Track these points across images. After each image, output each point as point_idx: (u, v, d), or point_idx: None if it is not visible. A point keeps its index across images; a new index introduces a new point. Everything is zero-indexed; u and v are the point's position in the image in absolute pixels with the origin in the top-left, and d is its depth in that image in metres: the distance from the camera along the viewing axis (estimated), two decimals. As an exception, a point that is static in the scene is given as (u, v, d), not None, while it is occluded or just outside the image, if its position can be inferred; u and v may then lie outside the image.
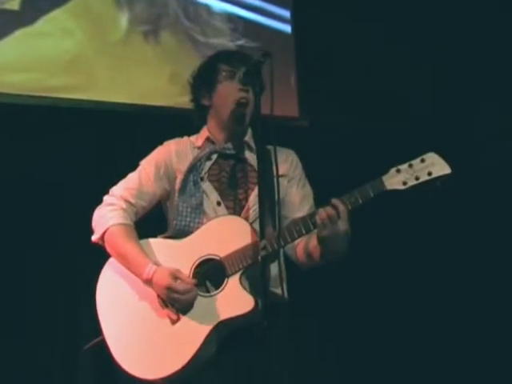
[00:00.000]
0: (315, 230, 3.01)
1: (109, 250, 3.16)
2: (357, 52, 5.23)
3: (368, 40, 5.25)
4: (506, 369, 4.87)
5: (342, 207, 2.91)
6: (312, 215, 2.97)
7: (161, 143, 3.36)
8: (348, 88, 5.21)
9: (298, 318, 3.29)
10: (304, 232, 2.99)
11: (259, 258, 2.86)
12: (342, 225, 2.91)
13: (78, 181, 4.55)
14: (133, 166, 3.32)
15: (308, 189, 3.31)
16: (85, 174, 4.55)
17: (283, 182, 3.18)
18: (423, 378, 4.96)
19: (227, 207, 3.18)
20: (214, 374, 3.00)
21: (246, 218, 3.13)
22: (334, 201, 2.93)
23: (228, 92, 3.20)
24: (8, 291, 4.43)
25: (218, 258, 3.02)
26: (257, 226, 2.96)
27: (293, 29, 5.27)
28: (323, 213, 2.92)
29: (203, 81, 3.29)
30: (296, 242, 3.11)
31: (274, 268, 2.99)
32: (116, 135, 4.67)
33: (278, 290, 3.09)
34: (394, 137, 5.08)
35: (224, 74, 3.21)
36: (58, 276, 4.59)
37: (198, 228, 3.13)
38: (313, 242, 3.09)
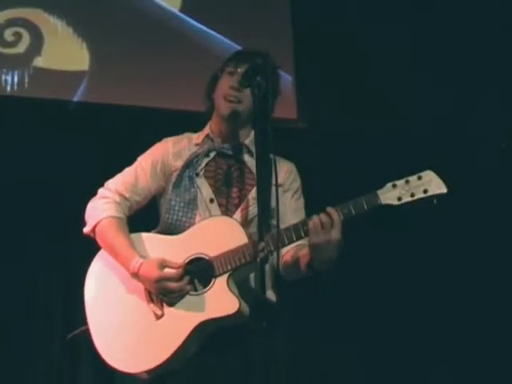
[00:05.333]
0: (305, 240, 2.99)
1: (99, 242, 3.14)
2: (355, 53, 5.20)
3: (367, 40, 5.22)
4: (506, 369, 4.91)
5: (336, 216, 2.88)
6: (304, 223, 2.95)
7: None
8: (346, 89, 5.18)
9: (293, 322, 3.29)
10: (295, 239, 2.96)
11: (258, 259, 2.81)
12: (335, 233, 2.88)
13: (75, 176, 4.57)
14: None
15: (301, 203, 3.28)
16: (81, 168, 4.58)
17: (277, 190, 3.10)
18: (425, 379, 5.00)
19: (220, 204, 3.15)
20: (197, 374, 2.98)
21: (243, 216, 3.12)
22: (329, 209, 2.91)
23: (221, 88, 3.23)
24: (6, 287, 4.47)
25: (207, 257, 3.00)
26: (254, 225, 2.99)
27: (292, 30, 5.24)
28: (317, 219, 2.90)
29: (212, 77, 3.32)
30: (284, 251, 3.10)
31: (266, 274, 2.92)
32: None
33: (270, 295, 3.06)
34: (393, 138, 5.09)
35: (224, 72, 3.24)
36: (53, 268, 4.63)
37: (188, 223, 3.10)
38: (301, 251, 3.07)
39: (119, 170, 3.28)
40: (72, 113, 4.72)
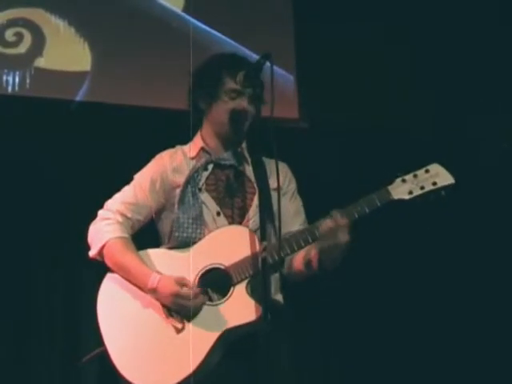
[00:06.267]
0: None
1: (109, 263, 3.13)
2: (357, 52, 5.19)
3: (368, 40, 5.21)
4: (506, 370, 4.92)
5: (343, 219, 2.97)
6: (317, 226, 3.02)
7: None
8: (348, 89, 5.17)
9: (301, 322, 3.29)
10: (310, 241, 3.03)
11: (259, 259, 2.89)
12: (343, 236, 2.97)
13: (76, 176, 4.60)
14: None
15: (300, 203, 3.33)
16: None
17: (275, 195, 3.09)
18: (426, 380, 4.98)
19: (226, 216, 3.17)
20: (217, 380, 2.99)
21: (249, 227, 3.12)
22: (336, 213, 2.99)
23: (228, 108, 3.19)
24: (10, 299, 4.50)
25: (222, 266, 3.02)
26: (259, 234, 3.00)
27: (293, 30, 5.24)
28: (325, 224, 2.98)
29: (204, 85, 3.24)
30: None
31: (274, 276, 3.07)
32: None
33: (278, 297, 3.15)
34: (394, 138, 5.09)
35: (229, 92, 3.18)
36: (53, 268, 4.67)
37: (199, 239, 3.11)
38: (311, 251, 3.11)
39: (120, 170, 3.29)
40: (74, 113, 4.71)
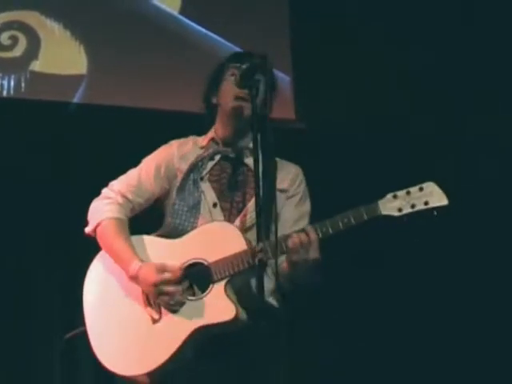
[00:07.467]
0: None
1: (100, 243, 3.14)
2: (354, 53, 5.17)
3: (365, 40, 5.20)
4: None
5: (313, 235, 2.92)
6: (286, 238, 2.96)
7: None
8: (345, 89, 5.15)
9: (294, 323, 3.26)
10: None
11: (256, 260, 2.87)
12: (313, 253, 2.92)
13: (83, 187, 4.48)
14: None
15: (306, 208, 3.25)
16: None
17: (281, 196, 3.14)
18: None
19: (223, 209, 3.15)
20: (197, 378, 2.99)
21: (243, 223, 3.11)
22: (308, 228, 2.94)
23: (228, 89, 3.19)
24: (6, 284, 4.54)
25: (205, 262, 3.00)
26: (253, 232, 2.97)
27: (290, 31, 5.26)
28: (296, 238, 2.92)
29: (212, 79, 3.29)
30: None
31: (266, 279, 2.99)
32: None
33: (271, 300, 3.10)
34: (392, 138, 5.08)
35: (229, 71, 3.21)
36: (53, 268, 4.69)
37: (191, 228, 3.10)
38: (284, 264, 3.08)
39: (119, 170, 3.28)
40: (71, 115, 4.72)
